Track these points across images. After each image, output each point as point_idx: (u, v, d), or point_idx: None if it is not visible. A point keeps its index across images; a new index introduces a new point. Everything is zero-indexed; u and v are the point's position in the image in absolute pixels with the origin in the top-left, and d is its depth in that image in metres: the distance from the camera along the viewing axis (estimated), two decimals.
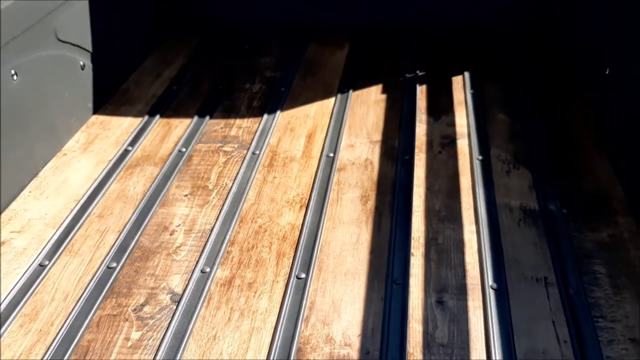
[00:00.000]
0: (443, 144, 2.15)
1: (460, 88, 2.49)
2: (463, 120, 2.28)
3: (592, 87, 2.24)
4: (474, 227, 1.77)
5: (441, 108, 2.36)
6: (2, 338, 1.48)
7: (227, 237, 1.78)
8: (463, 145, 2.14)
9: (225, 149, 2.18)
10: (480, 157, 2.05)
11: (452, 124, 2.26)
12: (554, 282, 1.59)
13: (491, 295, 1.55)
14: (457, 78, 2.55)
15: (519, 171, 2.00)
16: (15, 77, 1.94)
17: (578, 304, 1.52)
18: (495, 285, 1.58)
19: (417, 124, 2.26)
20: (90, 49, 2.36)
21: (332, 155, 2.11)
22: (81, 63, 2.32)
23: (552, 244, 1.70)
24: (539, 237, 1.73)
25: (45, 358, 1.43)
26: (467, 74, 2.55)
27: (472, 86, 2.47)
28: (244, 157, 2.12)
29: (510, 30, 2.78)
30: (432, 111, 2.35)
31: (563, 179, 1.96)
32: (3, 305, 1.57)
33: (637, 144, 1.82)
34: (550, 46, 2.66)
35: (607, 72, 2.08)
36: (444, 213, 1.84)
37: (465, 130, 2.21)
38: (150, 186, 1.99)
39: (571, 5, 2.51)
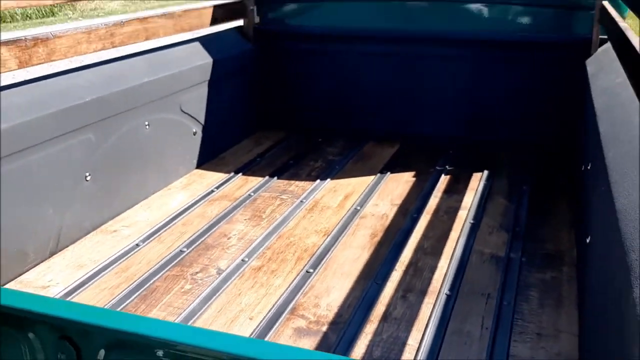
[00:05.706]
0: (447, 211, 2.74)
1: (477, 180, 3.08)
2: (469, 199, 2.86)
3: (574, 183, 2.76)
4: (448, 260, 2.32)
5: (455, 190, 2.97)
6: (102, 279, 2.22)
7: (266, 244, 2.45)
8: (463, 214, 2.71)
9: (282, 197, 2.91)
10: (472, 221, 2.61)
11: (460, 201, 2.85)
12: (495, 296, 2.08)
13: (443, 298, 2.07)
14: (477, 174, 3.16)
15: (500, 233, 2.54)
16: (147, 127, 2.84)
17: (506, 310, 2.00)
18: (449, 293, 2.10)
19: (432, 198, 2.88)
20: (203, 123, 3.27)
21: (359, 208, 2.77)
22: (194, 130, 3.22)
23: (504, 276, 2.20)
24: (496, 272, 2.24)
25: (126, 290, 2.13)
26: (485, 172, 3.15)
27: (487, 179, 3.07)
28: (293, 203, 2.83)
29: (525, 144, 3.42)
30: (447, 191, 2.96)
31: (532, 242, 2.46)
32: (107, 261, 2.32)
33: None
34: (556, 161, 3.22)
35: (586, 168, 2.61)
36: (429, 250, 2.40)
37: (468, 205, 2.79)
38: (222, 211, 2.74)
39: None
